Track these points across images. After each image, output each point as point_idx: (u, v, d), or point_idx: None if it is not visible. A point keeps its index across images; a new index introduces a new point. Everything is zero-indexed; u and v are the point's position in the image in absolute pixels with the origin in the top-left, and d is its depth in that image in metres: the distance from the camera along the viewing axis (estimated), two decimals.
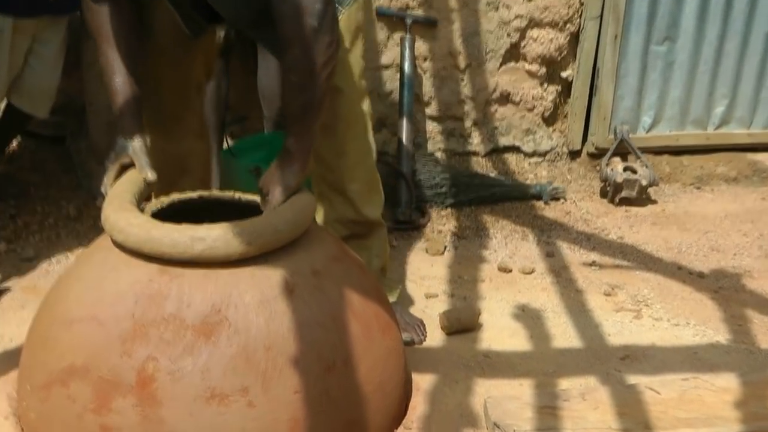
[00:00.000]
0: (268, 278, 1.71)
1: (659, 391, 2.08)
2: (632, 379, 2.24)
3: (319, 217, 2.31)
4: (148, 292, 1.66)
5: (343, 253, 1.93)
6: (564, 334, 2.48)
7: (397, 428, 1.90)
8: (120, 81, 1.95)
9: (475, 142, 3.76)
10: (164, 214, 1.85)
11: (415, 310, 2.55)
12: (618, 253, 3.11)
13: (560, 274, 2.89)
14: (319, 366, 1.69)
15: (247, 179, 2.57)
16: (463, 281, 2.79)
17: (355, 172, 2.29)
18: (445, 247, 3.04)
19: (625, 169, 3.60)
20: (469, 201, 3.43)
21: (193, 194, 1.99)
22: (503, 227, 3.29)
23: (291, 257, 1.77)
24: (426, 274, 2.83)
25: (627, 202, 3.59)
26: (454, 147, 3.74)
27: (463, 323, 2.42)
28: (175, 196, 1.97)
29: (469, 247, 3.09)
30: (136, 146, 1.92)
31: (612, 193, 3.58)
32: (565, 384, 2.20)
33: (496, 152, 3.81)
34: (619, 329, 2.53)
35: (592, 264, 2.99)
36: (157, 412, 1.59)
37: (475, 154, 3.77)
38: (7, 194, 3.03)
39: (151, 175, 1.87)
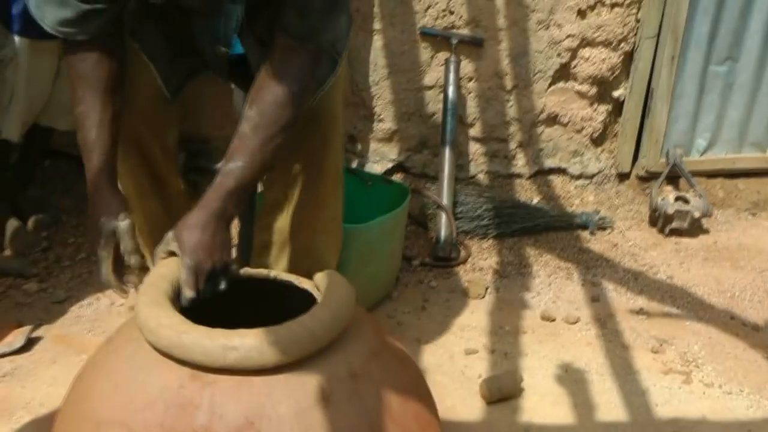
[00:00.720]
0: (304, 386, 1.65)
1: None
2: None
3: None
4: (179, 400, 1.61)
5: (382, 346, 1.87)
6: (609, 403, 2.40)
7: None
8: (99, 137, 1.77)
9: (520, 164, 3.67)
10: None
11: (454, 370, 2.50)
12: (667, 297, 3.03)
13: (606, 324, 2.82)
14: None
15: None
16: (504, 333, 2.73)
17: (331, 224, 2.23)
18: (486, 289, 2.97)
19: (677, 199, 3.49)
20: (512, 232, 3.36)
21: None
22: (547, 263, 3.22)
23: (328, 360, 1.70)
24: (466, 324, 2.77)
25: (677, 232, 3.49)
26: (497, 169, 3.66)
27: (504, 392, 2.36)
28: None
29: (511, 288, 3.02)
30: (123, 228, 1.76)
31: (662, 223, 3.49)
32: None
33: (540, 174, 3.72)
34: (668, 397, 2.45)
35: (640, 312, 2.90)
36: None
37: (519, 176, 3.69)
38: (40, 224, 3.01)
39: (134, 261, 1.77)
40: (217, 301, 1.78)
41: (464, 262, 3.15)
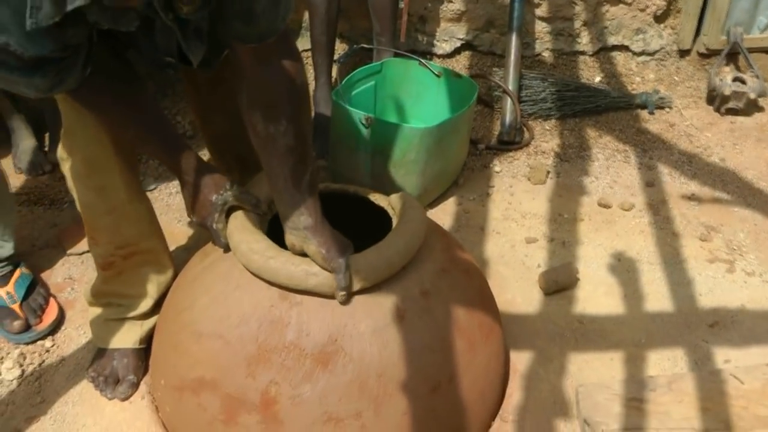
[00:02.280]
0: (381, 306, 1.74)
1: (743, 380, 2.09)
2: (718, 352, 2.24)
3: None
4: (270, 318, 1.72)
5: (450, 261, 1.93)
6: (656, 293, 2.45)
7: (494, 420, 1.97)
8: (168, 134, 1.76)
9: (584, 41, 3.58)
10: None
11: (515, 260, 2.56)
12: (718, 181, 3.00)
13: (659, 210, 2.82)
14: (425, 387, 1.74)
15: (357, 129, 2.54)
16: (563, 220, 2.75)
17: None
18: (548, 174, 2.98)
19: (734, 80, 3.39)
20: (574, 113, 3.32)
21: None
22: (606, 145, 3.19)
23: (401, 281, 1.78)
24: (527, 211, 2.79)
25: (733, 111, 3.42)
26: (561, 47, 3.58)
27: (560, 284, 2.43)
28: None
29: (571, 173, 3.01)
30: (236, 194, 1.81)
31: (719, 103, 3.41)
32: (653, 357, 2.22)
33: (604, 51, 3.64)
34: (711, 287, 2.48)
35: (691, 197, 2.89)
36: (278, 430, 1.69)
37: (582, 53, 3.61)
38: None
39: (265, 207, 1.85)
40: None
41: (528, 144, 3.15)
